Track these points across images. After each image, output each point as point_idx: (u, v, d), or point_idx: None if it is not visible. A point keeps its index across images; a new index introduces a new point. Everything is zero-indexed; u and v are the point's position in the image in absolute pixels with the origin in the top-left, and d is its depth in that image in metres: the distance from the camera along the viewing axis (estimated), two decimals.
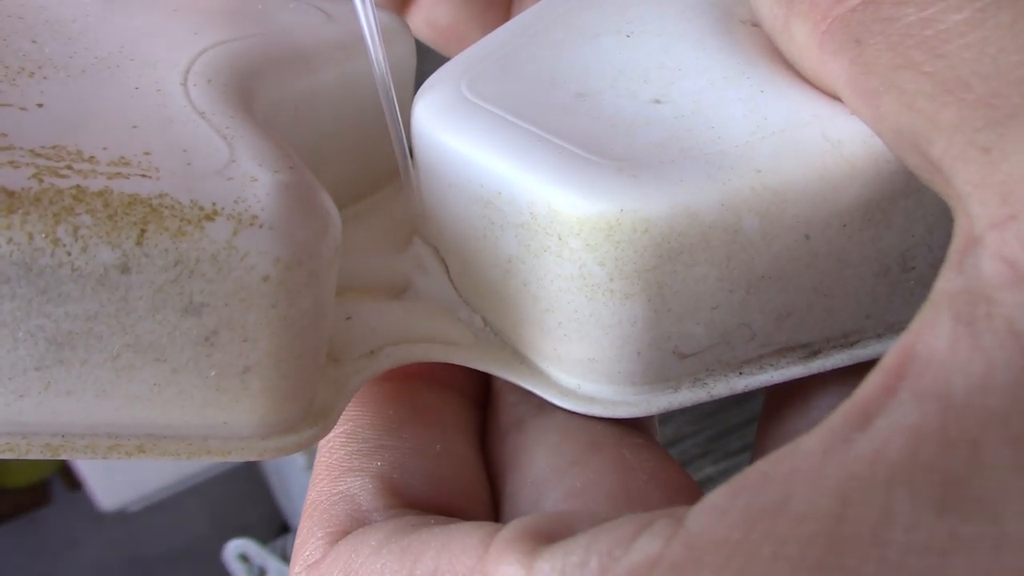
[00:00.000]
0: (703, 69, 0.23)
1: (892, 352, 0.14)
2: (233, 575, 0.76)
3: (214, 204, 0.18)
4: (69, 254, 0.17)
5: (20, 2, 0.22)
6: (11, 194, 0.16)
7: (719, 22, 0.24)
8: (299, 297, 0.19)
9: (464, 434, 0.23)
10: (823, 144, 0.20)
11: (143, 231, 0.17)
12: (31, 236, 0.17)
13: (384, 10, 0.26)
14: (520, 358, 0.23)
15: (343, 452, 0.22)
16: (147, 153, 0.18)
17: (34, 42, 0.21)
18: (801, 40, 0.21)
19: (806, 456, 0.13)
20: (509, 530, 0.17)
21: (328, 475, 0.22)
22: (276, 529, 1.27)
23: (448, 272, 0.24)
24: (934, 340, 0.13)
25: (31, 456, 0.18)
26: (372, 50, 0.23)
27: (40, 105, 0.19)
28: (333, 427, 0.21)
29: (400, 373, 0.23)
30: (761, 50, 0.23)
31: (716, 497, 0.14)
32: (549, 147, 0.21)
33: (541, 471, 0.21)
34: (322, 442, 0.22)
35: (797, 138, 0.21)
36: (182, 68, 0.21)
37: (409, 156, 0.24)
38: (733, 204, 0.20)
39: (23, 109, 0.19)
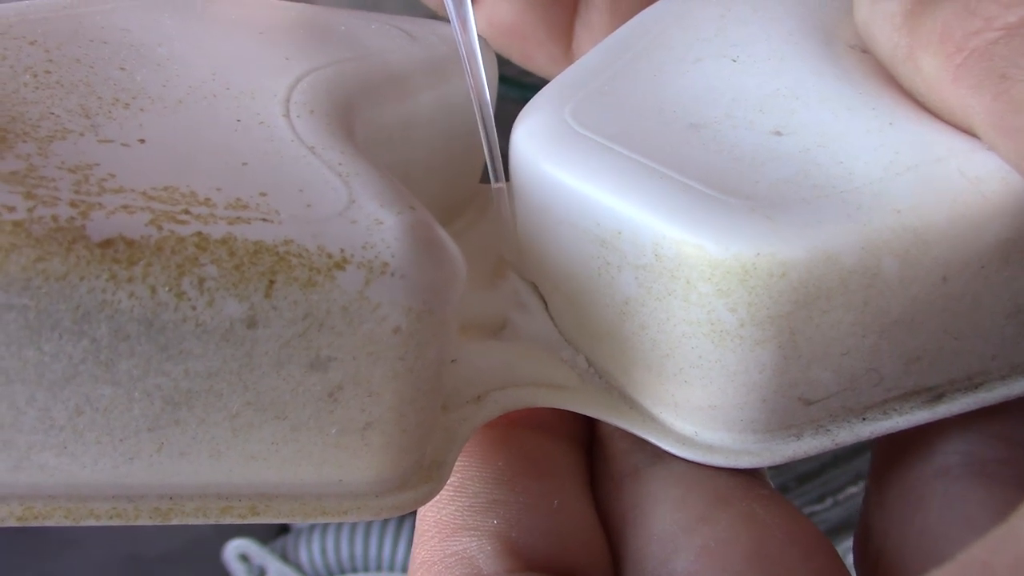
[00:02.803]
0: (822, 98, 0.21)
1: None
2: (233, 575, 0.75)
3: (343, 251, 0.17)
4: (194, 308, 0.15)
5: (100, 24, 0.21)
6: (131, 243, 0.15)
7: (826, 46, 0.23)
8: (427, 348, 0.18)
9: (578, 485, 0.22)
10: (961, 181, 0.19)
11: (272, 282, 0.16)
12: (154, 290, 0.15)
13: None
14: (630, 403, 0.22)
15: (453, 508, 0.20)
16: (263, 194, 0.17)
17: (123, 69, 0.19)
18: (930, 72, 0.20)
19: None
20: None
21: (439, 533, 0.20)
22: (276, 529, 1.26)
23: (548, 309, 0.23)
24: None
25: (139, 522, 0.17)
26: (472, 78, 0.21)
27: (142, 141, 0.18)
28: (446, 481, 0.20)
29: (504, 418, 0.22)
30: (877, 79, 0.22)
31: None
32: (672, 184, 0.20)
33: (667, 527, 0.20)
34: None
35: (934, 174, 0.20)
36: (282, 97, 0.20)
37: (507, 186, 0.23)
38: (873, 247, 0.19)
39: (126, 145, 0.17)
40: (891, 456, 0.23)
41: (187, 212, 0.16)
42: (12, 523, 0.16)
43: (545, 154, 0.21)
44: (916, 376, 0.21)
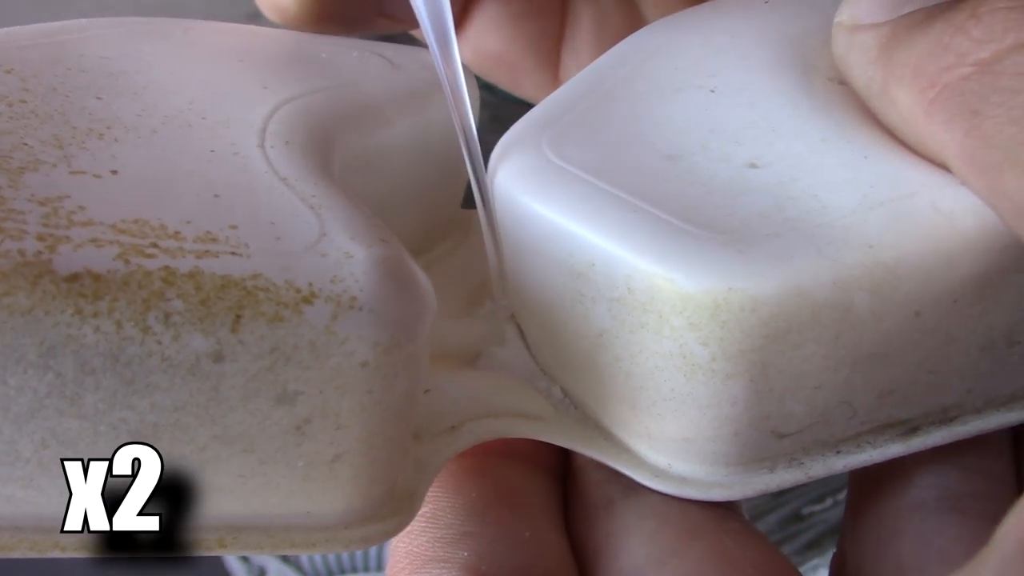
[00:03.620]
0: (797, 130, 0.22)
1: None
2: (233, 575, 0.76)
3: (311, 285, 0.17)
4: (160, 343, 0.16)
5: (79, 52, 0.21)
6: (97, 278, 0.15)
7: (804, 78, 0.23)
8: (395, 381, 0.18)
9: (551, 516, 0.22)
10: (934, 216, 0.20)
11: (238, 317, 0.16)
12: (119, 324, 0.15)
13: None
14: (605, 434, 0.22)
15: (425, 539, 0.20)
16: (233, 227, 0.17)
17: (99, 99, 0.20)
18: (904, 106, 0.20)
19: None
20: None
21: (410, 564, 0.20)
22: None
23: (524, 339, 0.23)
24: None
25: (106, 555, 0.17)
26: (455, 106, 0.21)
27: (114, 172, 0.18)
28: (416, 513, 0.20)
29: (478, 448, 0.22)
30: (854, 112, 0.22)
31: None
32: (647, 218, 0.20)
33: (637, 561, 0.20)
34: None
35: (907, 209, 0.20)
36: (257, 128, 0.20)
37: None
38: (845, 282, 0.19)
39: (97, 177, 0.17)
40: (867, 487, 0.23)
41: (155, 246, 0.16)
42: None
43: (524, 187, 0.21)
44: (890, 409, 0.21)
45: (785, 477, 0.21)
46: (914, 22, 0.19)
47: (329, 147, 0.21)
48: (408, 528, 0.21)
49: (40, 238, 0.15)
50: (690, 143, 0.22)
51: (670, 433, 0.21)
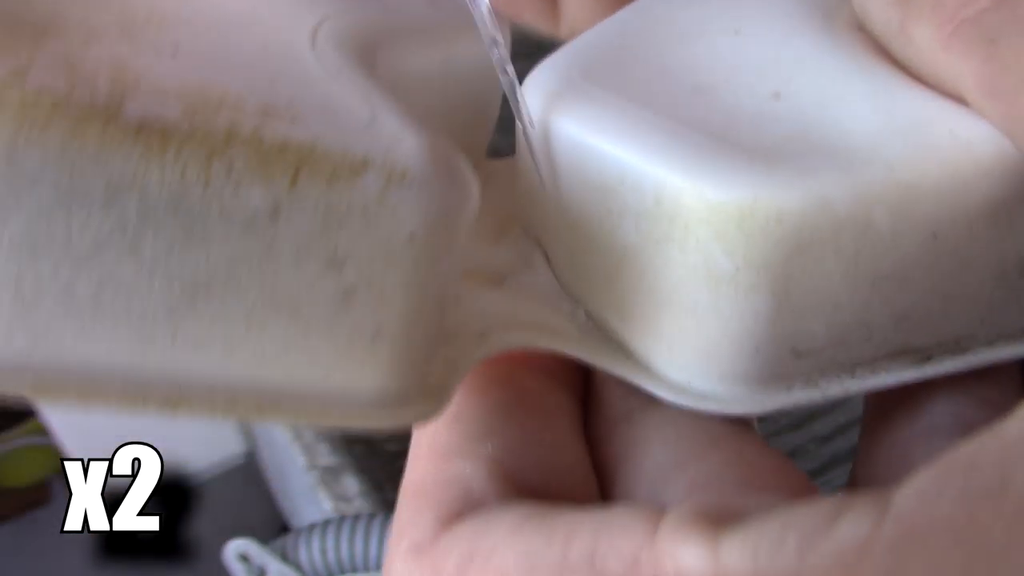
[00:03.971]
0: (820, 65, 0.22)
1: None
2: (233, 575, 0.75)
3: (365, 156, 0.17)
4: (220, 194, 0.16)
5: None
6: (164, 128, 0.16)
7: (825, 24, 0.24)
8: (439, 260, 0.18)
9: (572, 426, 0.22)
10: (952, 142, 0.20)
11: (296, 173, 0.17)
12: (184, 171, 0.16)
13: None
14: (627, 353, 0.23)
15: (449, 434, 0.21)
16: (290, 102, 0.18)
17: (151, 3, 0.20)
18: (921, 42, 0.20)
19: (1015, 441, 0.13)
20: (680, 512, 0.16)
21: (433, 457, 0.21)
22: (276, 529, 1.23)
23: (550, 264, 0.24)
24: None
25: (147, 409, 0.17)
26: (486, 28, 0.22)
27: (174, 53, 0.18)
28: (448, 405, 0.20)
29: (503, 359, 0.22)
30: (874, 54, 0.23)
31: (921, 483, 0.14)
32: (676, 134, 0.21)
33: (659, 465, 0.21)
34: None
35: (926, 135, 0.20)
36: (308, 33, 0.21)
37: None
38: (866, 197, 0.20)
39: (159, 54, 0.18)
40: (881, 414, 0.23)
41: (217, 108, 0.17)
42: (26, 392, 0.17)
43: (551, 104, 0.22)
44: (905, 335, 0.22)
45: (802, 395, 0.22)
46: None
47: (372, 60, 0.22)
48: (433, 427, 0.21)
49: (110, 91, 0.16)
50: (715, 77, 0.22)
51: (691, 349, 0.21)
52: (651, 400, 0.22)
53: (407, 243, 0.18)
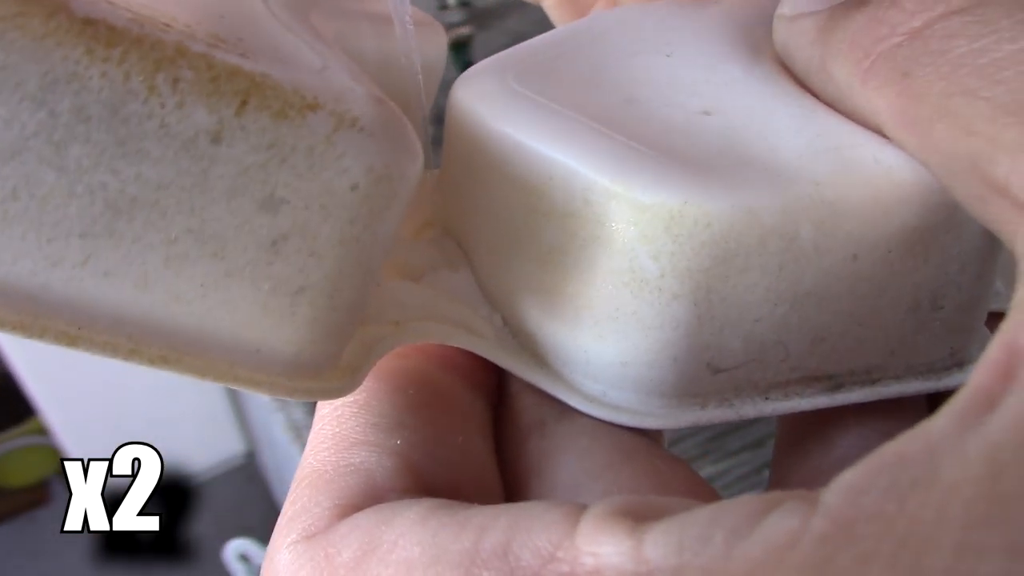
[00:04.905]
0: (748, 89, 0.23)
1: (995, 348, 0.14)
2: (233, 575, 0.72)
3: (316, 97, 0.17)
4: (163, 106, 0.15)
5: None
6: (112, 28, 0.15)
7: (752, 54, 0.24)
8: (376, 219, 0.18)
9: (482, 431, 0.21)
10: (876, 167, 0.21)
11: (244, 102, 0.16)
12: (127, 76, 0.15)
13: (420, 11, 0.25)
14: (542, 362, 0.22)
15: (355, 423, 0.20)
16: (240, 39, 0.17)
17: None
18: (841, 78, 0.21)
19: (941, 436, 0.14)
20: (601, 507, 0.16)
21: (337, 445, 0.20)
22: None
23: (468, 266, 0.23)
24: None
25: (44, 340, 0.16)
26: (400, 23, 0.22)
27: None
28: (358, 386, 0.19)
29: (416, 354, 0.22)
30: (797, 85, 0.23)
31: (850, 479, 0.14)
32: (607, 137, 0.21)
33: (572, 475, 0.20)
34: (327, 408, 0.21)
35: (851, 157, 0.21)
36: None
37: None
38: (793, 212, 0.20)
39: None
40: (794, 441, 0.23)
41: (168, 26, 0.16)
42: None
43: (485, 108, 0.22)
44: (819, 359, 0.22)
45: (716, 414, 0.21)
46: (850, 5, 0.21)
47: (311, 20, 0.21)
48: (338, 413, 0.20)
49: None
50: (647, 92, 0.23)
51: (609, 357, 0.21)
52: (564, 410, 0.21)
53: (348, 192, 0.17)
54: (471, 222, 0.23)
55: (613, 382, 0.21)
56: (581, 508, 0.16)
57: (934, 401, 0.24)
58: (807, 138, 0.21)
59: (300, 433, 0.85)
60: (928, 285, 0.22)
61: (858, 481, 0.14)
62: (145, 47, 0.15)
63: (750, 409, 0.22)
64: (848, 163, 0.21)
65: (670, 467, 0.20)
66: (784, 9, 0.23)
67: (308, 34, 0.19)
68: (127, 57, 0.15)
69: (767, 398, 0.22)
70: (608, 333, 0.21)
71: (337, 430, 0.20)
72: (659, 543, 0.14)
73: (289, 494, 0.20)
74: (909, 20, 0.19)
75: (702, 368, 0.21)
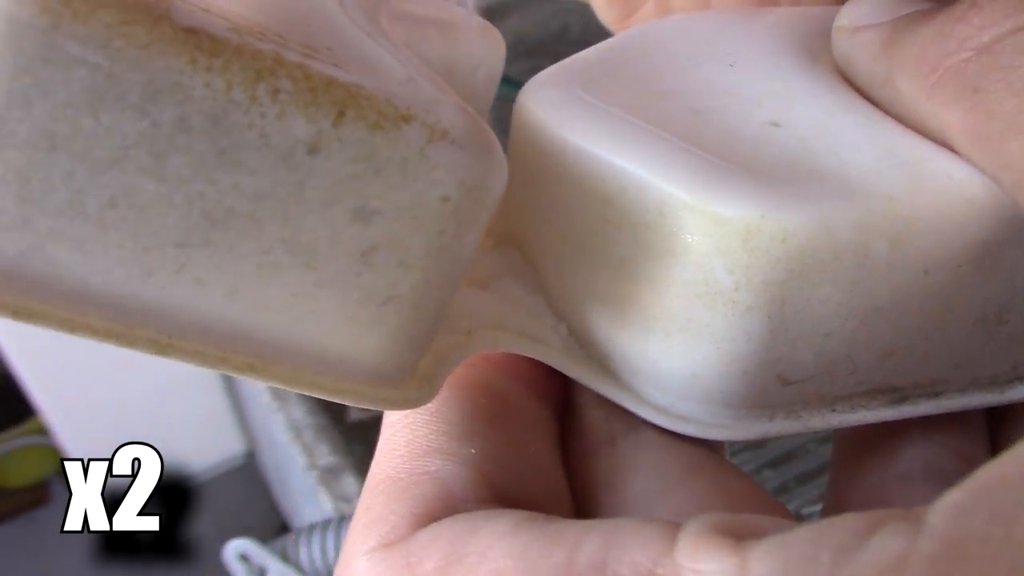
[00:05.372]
0: (815, 99, 0.23)
1: None
2: (233, 575, 0.72)
3: (408, 108, 0.16)
4: (263, 116, 0.15)
5: None
6: (213, 38, 0.15)
7: (812, 65, 0.24)
8: (464, 230, 0.18)
9: (551, 442, 0.21)
10: (948, 181, 0.21)
11: (342, 113, 0.16)
12: (229, 86, 0.15)
13: (479, 16, 0.25)
14: (609, 372, 0.22)
15: (428, 431, 0.20)
16: (330, 49, 0.17)
17: None
18: (907, 92, 0.21)
19: None
20: (698, 525, 0.16)
21: (411, 453, 0.20)
22: (276, 529, 1.27)
23: (534, 276, 0.23)
24: None
25: (135, 348, 0.16)
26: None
27: None
28: (436, 395, 0.19)
29: (487, 364, 0.21)
30: (860, 97, 0.23)
31: (953, 500, 0.14)
32: (679, 148, 0.21)
33: (644, 490, 0.20)
34: (397, 416, 0.21)
35: (923, 172, 0.21)
36: None
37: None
38: (867, 226, 0.20)
39: None
40: (853, 455, 0.23)
41: (263, 35, 0.16)
42: (7, 315, 0.15)
43: (552, 116, 0.22)
44: (886, 373, 0.22)
45: (783, 425, 0.21)
46: (914, 18, 0.21)
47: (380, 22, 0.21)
48: (409, 420, 0.20)
49: None
50: (713, 103, 0.23)
51: (679, 368, 0.21)
52: (633, 424, 0.21)
53: (439, 204, 0.17)
54: (537, 232, 0.23)
55: (682, 393, 0.21)
56: (675, 525, 0.16)
57: (993, 414, 0.24)
58: (877, 152, 0.21)
59: (300, 433, 0.85)
60: (995, 299, 0.22)
61: (962, 502, 0.14)
62: (246, 57, 0.15)
63: (817, 421, 0.22)
64: (921, 178, 0.21)
65: (739, 481, 0.20)
66: (843, 21, 0.23)
67: (388, 42, 0.19)
68: (229, 67, 0.15)
69: (833, 410, 0.22)
70: (679, 344, 0.21)
71: (410, 438, 0.20)
72: (764, 562, 0.14)
73: (361, 501, 0.20)
74: (978, 35, 0.19)
75: (772, 380, 0.21)
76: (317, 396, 0.17)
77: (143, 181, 0.15)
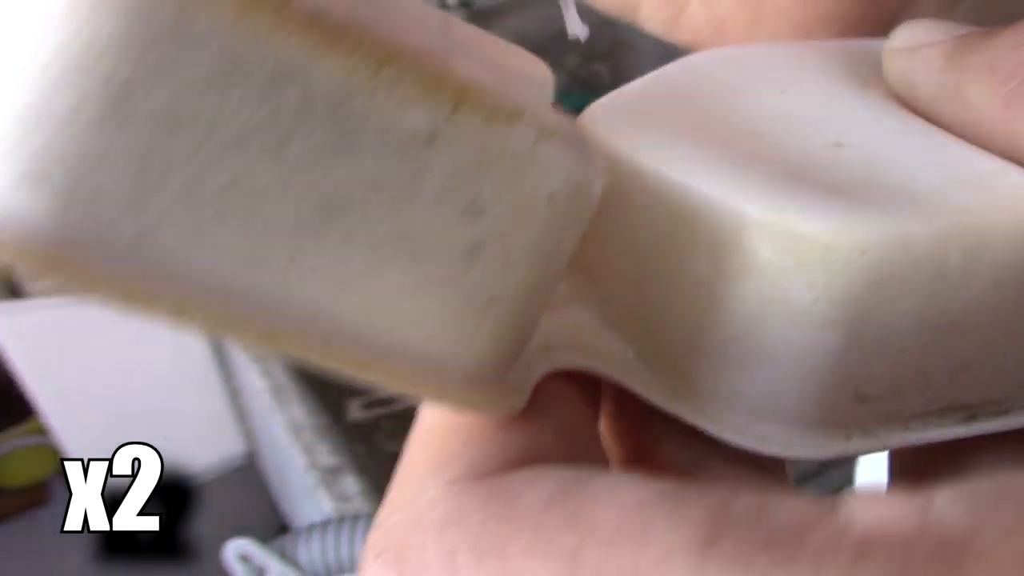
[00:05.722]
0: (874, 121, 0.23)
1: None
2: (233, 575, 0.73)
3: (517, 105, 0.17)
4: (384, 105, 0.15)
5: None
6: (336, 24, 0.15)
7: (864, 89, 0.24)
8: (566, 231, 0.18)
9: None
10: (1018, 193, 0.21)
11: (458, 104, 0.16)
12: (352, 73, 0.15)
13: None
14: (680, 395, 0.22)
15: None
16: (434, 49, 0.17)
17: None
18: (978, 103, 0.21)
19: None
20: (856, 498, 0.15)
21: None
22: (276, 529, 1.26)
23: (600, 300, 0.23)
24: None
25: (245, 338, 0.16)
26: None
27: None
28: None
29: (558, 386, 0.21)
30: (918, 118, 0.23)
31: None
32: (751, 167, 0.21)
33: None
34: None
35: (992, 186, 0.21)
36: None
37: None
38: (943, 238, 0.20)
39: None
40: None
41: (376, 28, 0.16)
42: (117, 300, 0.15)
43: (617, 136, 0.22)
44: (957, 389, 0.22)
45: (861, 444, 0.21)
46: (979, 33, 0.21)
47: None
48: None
49: None
50: (773, 126, 0.23)
51: (754, 389, 0.21)
52: (711, 449, 0.21)
53: (545, 203, 0.17)
54: (602, 255, 0.22)
55: (759, 413, 0.21)
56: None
57: None
58: (945, 167, 0.21)
59: (300, 433, 0.85)
60: None
61: None
62: (368, 44, 0.15)
63: (895, 439, 0.21)
64: (992, 191, 0.21)
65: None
66: (897, 42, 0.23)
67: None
68: (352, 53, 0.15)
69: (908, 428, 0.22)
70: (755, 364, 0.21)
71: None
72: (954, 500, 0.14)
73: (411, 446, 0.19)
74: None
75: (848, 398, 0.21)
76: (413, 396, 0.17)
77: (262, 166, 0.15)
